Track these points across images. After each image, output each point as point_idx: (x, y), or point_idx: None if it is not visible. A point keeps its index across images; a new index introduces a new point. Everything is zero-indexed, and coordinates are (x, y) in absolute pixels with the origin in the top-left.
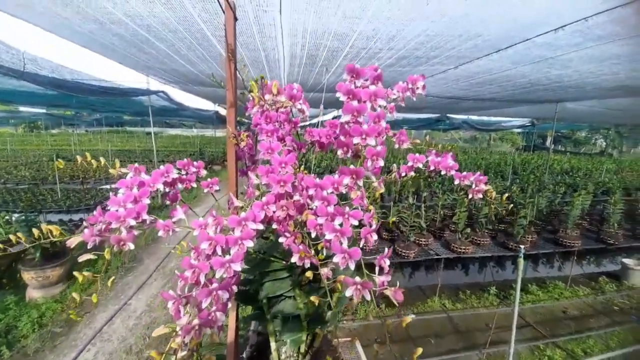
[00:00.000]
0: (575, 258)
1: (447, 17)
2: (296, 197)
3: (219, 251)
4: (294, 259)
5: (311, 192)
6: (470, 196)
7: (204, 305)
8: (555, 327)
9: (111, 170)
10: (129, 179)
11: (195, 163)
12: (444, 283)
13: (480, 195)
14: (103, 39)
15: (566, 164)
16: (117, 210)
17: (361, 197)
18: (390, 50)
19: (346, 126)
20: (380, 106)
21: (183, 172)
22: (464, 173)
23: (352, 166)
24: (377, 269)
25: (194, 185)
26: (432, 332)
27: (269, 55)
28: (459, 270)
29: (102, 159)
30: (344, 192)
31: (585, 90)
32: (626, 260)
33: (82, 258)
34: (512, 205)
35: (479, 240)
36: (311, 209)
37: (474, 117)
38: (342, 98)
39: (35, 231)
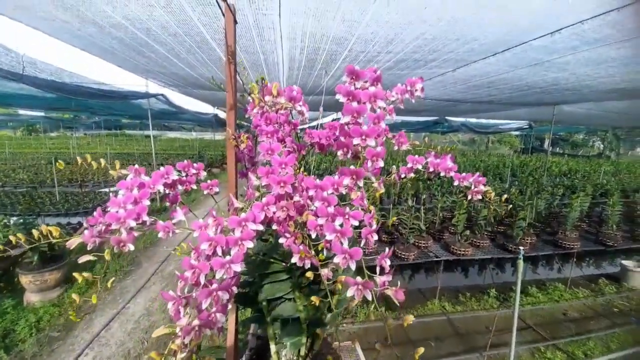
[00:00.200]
0: (575, 260)
1: (444, 20)
2: (296, 198)
3: (219, 252)
4: (294, 259)
5: (311, 193)
6: (469, 197)
7: (204, 306)
8: (555, 329)
9: (111, 172)
10: (129, 180)
11: (195, 165)
12: (444, 285)
13: (480, 197)
14: (102, 42)
15: (564, 166)
16: (117, 212)
17: (361, 197)
18: (389, 54)
19: (346, 127)
20: (379, 107)
21: (183, 173)
22: (463, 174)
23: (352, 167)
24: (377, 269)
25: (194, 187)
26: (432, 335)
27: (268, 58)
28: (458, 273)
29: (102, 160)
30: (344, 193)
31: (582, 92)
32: (625, 262)
33: (82, 259)
34: (510, 206)
35: (478, 242)
36: (311, 210)
37: (472, 120)
38: (342, 99)
39: (35, 232)
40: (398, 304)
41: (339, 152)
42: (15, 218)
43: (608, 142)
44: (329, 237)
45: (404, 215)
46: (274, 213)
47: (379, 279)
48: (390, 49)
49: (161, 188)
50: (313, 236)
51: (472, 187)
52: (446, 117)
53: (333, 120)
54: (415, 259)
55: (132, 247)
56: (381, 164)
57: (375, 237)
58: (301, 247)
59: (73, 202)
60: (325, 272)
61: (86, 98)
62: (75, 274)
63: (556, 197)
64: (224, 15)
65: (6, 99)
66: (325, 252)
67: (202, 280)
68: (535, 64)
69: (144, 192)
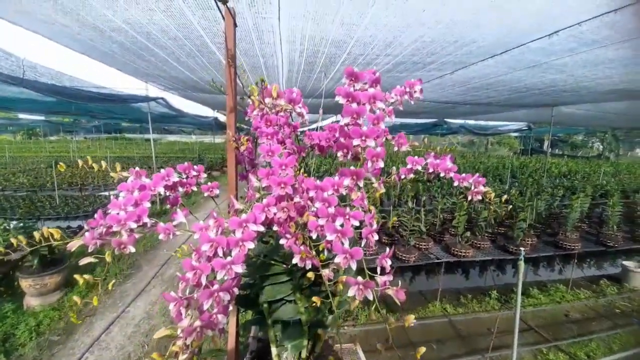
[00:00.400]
0: (576, 261)
1: (442, 23)
2: (297, 199)
3: (220, 253)
4: (295, 260)
5: (312, 194)
6: (469, 198)
7: (205, 306)
8: (557, 331)
9: (112, 174)
10: (130, 183)
11: (195, 167)
12: (445, 287)
13: (480, 197)
14: (102, 46)
15: (564, 167)
16: (118, 214)
17: (362, 198)
18: (388, 57)
19: (346, 128)
20: (379, 108)
21: (183, 176)
22: (463, 175)
23: (352, 168)
24: (378, 269)
25: (194, 189)
26: (434, 337)
27: (268, 61)
28: (459, 275)
29: (103, 163)
30: (345, 193)
31: (581, 94)
32: (626, 263)
33: (83, 261)
34: (511, 207)
35: (479, 244)
36: (312, 210)
37: (471, 122)
38: (342, 101)
39: (36, 234)
40: (399, 304)
41: (339, 154)
42: (15, 222)
43: (607, 143)
44: (329, 237)
45: (405, 217)
46: (275, 214)
47: (380, 279)
48: (389, 52)
49: (162, 190)
50: (314, 237)
51: (472, 187)
52: (445, 119)
53: (333, 122)
54: (416, 261)
55: (132, 249)
56: (381, 164)
57: (376, 237)
58: (302, 247)
59: (73, 206)
60: (326, 272)
61: (86, 102)
62: (76, 276)
63: (556, 198)
64: (224, 18)
65: (6, 103)
66: (326, 252)
67: (204, 281)
68: (534, 66)
69: (144, 194)
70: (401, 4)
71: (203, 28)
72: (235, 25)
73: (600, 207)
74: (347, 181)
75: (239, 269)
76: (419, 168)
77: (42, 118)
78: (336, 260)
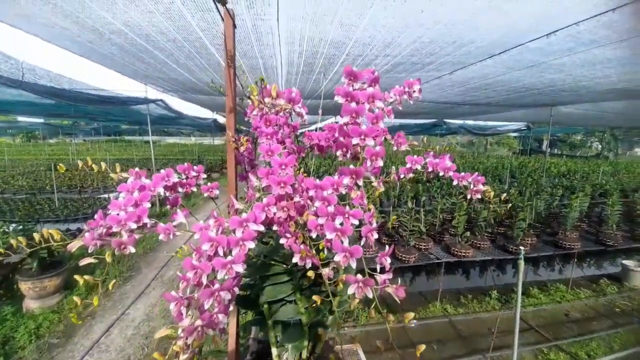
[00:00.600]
0: (576, 260)
1: (441, 24)
2: (296, 199)
3: (221, 252)
4: (295, 259)
5: (311, 193)
6: (468, 197)
7: (206, 306)
8: (558, 330)
9: (112, 175)
10: (130, 183)
11: (195, 167)
12: (445, 288)
13: (479, 196)
14: (102, 48)
15: (563, 167)
16: (118, 214)
17: (361, 197)
18: (387, 57)
19: (345, 127)
20: (377, 107)
21: (183, 176)
22: (462, 174)
23: (351, 166)
24: (378, 267)
25: (194, 189)
26: (434, 338)
27: (267, 63)
28: (459, 275)
29: (102, 164)
30: (344, 192)
31: (579, 93)
32: (626, 262)
33: (83, 262)
34: (510, 205)
35: (479, 244)
36: (312, 210)
37: (470, 122)
38: (341, 100)
39: (36, 235)
40: (399, 304)
41: (338, 153)
42: (14, 225)
43: (606, 143)
44: (329, 236)
45: (404, 217)
46: (275, 213)
47: (380, 277)
48: (388, 52)
49: (162, 191)
50: (313, 236)
51: (471, 186)
52: (444, 120)
53: (332, 122)
54: (416, 261)
55: (133, 249)
56: (380, 163)
57: (376, 235)
58: (302, 246)
59: (72, 208)
60: (326, 271)
61: (85, 104)
62: (77, 276)
63: (555, 198)
64: (223, 19)
65: (5, 105)
66: (325, 251)
67: (204, 280)
68: (532, 66)
69: (144, 195)
70: (399, 4)
71: (202, 30)
72: (234, 26)
73: (600, 206)
74: (346, 180)
75: (240, 268)
76: (418, 167)
77: (41, 121)
78: (336, 258)
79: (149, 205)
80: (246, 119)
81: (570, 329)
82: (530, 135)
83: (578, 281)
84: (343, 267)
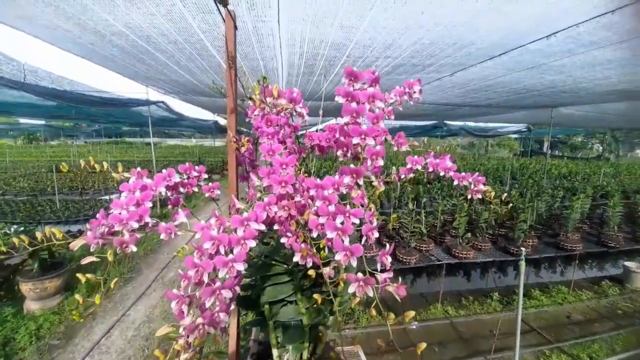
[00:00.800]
0: (577, 262)
1: (441, 25)
2: (297, 198)
3: (222, 251)
4: (296, 258)
5: (312, 192)
6: (469, 197)
7: (207, 304)
8: (559, 332)
9: (114, 175)
10: (132, 183)
11: (196, 167)
12: (446, 289)
13: (480, 196)
14: (103, 50)
15: (564, 168)
16: (120, 213)
17: (362, 196)
18: (387, 59)
19: (346, 127)
20: (378, 107)
21: (185, 176)
22: (463, 174)
23: (352, 166)
24: (378, 265)
25: (195, 189)
26: (436, 340)
27: (268, 64)
28: (460, 276)
29: (104, 163)
30: (345, 192)
31: (580, 95)
32: (628, 264)
33: (85, 260)
34: (511, 205)
35: (480, 245)
36: (313, 209)
37: (471, 124)
38: (341, 100)
39: (38, 234)
40: (400, 303)
41: (339, 152)
42: (15, 226)
43: (607, 144)
44: (330, 235)
45: (405, 219)
46: (276, 213)
47: (380, 276)
48: (388, 54)
49: (163, 190)
50: (314, 235)
51: (472, 186)
52: (445, 121)
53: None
54: (417, 263)
55: (134, 248)
56: (381, 162)
57: (376, 234)
58: (303, 245)
59: (73, 210)
60: (327, 270)
61: (87, 106)
62: (79, 275)
63: (556, 199)
64: (224, 21)
65: (7, 107)
66: (326, 250)
67: (206, 279)
68: (532, 67)
69: (146, 194)
70: (400, 6)
71: (203, 32)
72: (235, 28)
73: (601, 207)
74: (347, 179)
75: (241, 266)
76: (419, 168)
77: (43, 122)
78: (337, 257)
79: (150, 204)
80: (247, 120)
81: (572, 331)
82: (530, 136)
83: (580, 283)
84: (344, 266)
